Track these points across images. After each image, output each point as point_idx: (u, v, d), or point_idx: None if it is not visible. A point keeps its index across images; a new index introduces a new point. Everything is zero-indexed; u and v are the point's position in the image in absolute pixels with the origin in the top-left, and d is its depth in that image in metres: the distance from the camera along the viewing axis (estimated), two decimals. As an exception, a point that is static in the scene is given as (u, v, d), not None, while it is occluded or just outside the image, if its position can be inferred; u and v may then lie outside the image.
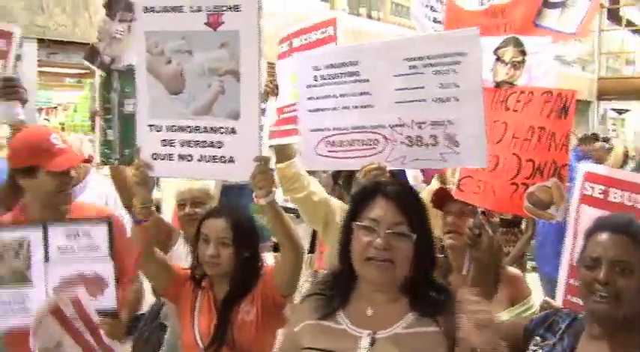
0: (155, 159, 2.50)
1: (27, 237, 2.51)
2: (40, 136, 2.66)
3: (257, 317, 2.47)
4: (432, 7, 3.99)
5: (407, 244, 1.83)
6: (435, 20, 3.99)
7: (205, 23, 2.41)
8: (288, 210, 4.94)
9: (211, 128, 2.42)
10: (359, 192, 1.99)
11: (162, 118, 2.49)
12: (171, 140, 2.48)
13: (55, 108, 11.39)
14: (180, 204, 2.96)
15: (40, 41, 6.81)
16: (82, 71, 10.69)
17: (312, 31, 3.68)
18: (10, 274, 2.50)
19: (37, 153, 2.60)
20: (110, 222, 2.52)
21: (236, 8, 2.37)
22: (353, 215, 1.91)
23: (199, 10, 2.41)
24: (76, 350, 2.47)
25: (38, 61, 6.68)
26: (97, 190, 3.75)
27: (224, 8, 2.38)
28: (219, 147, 2.42)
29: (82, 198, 3.52)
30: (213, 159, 2.44)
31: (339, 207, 3.42)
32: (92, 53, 2.86)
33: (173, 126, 2.47)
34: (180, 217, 2.96)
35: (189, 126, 2.45)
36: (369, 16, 11.48)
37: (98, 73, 2.89)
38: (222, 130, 2.41)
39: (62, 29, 6.96)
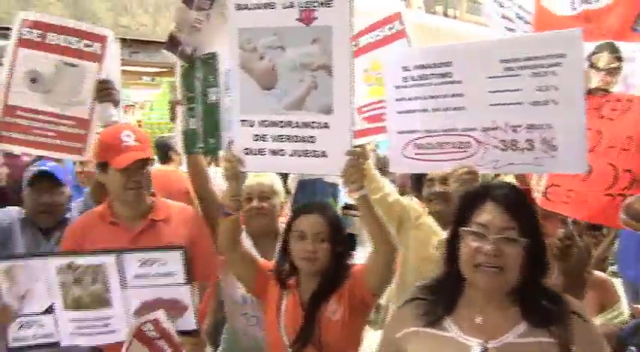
0: (247, 153, 2.50)
1: (102, 263, 2.51)
2: (112, 133, 2.72)
3: (344, 316, 2.43)
4: (500, 3, 3.91)
5: (517, 250, 1.76)
6: (503, 16, 3.92)
7: (297, 19, 2.40)
8: (348, 207, 4.92)
9: (304, 123, 2.41)
10: (466, 196, 1.93)
11: (254, 113, 2.49)
12: (263, 135, 2.48)
13: (133, 106, 11.68)
14: (247, 198, 2.96)
15: (123, 41, 6.99)
16: (160, 70, 10.96)
17: (377, 29, 3.66)
18: (90, 298, 2.53)
19: (106, 149, 2.68)
20: (184, 249, 2.50)
21: (328, 4, 2.35)
22: (460, 219, 1.85)
23: (291, 6, 2.40)
24: None
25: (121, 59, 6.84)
26: None
27: (316, 4, 2.36)
28: (311, 142, 2.41)
29: None
30: (306, 153, 2.42)
31: (413, 208, 3.41)
32: (172, 43, 2.88)
33: (265, 121, 2.47)
34: (246, 210, 2.95)
35: (281, 121, 2.44)
36: (445, 14, 11.40)
37: (180, 63, 2.92)
38: (314, 125, 2.39)
39: (143, 29, 7.16)
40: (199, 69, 2.87)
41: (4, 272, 2.55)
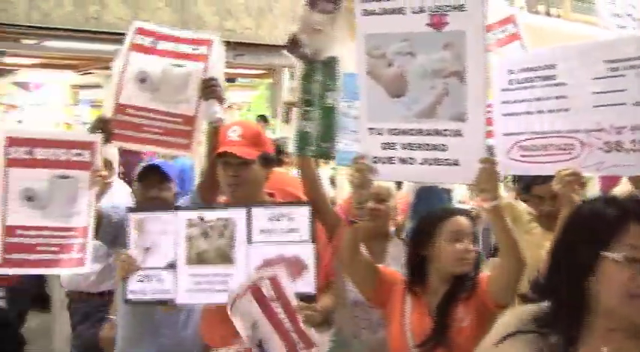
0: (376, 162, 2.46)
1: (231, 217, 2.58)
2: (225, 128, 2.81)
3: (473, 323, 2.40)
4: (612, 1, 3.74)
5: None
6: (614, 14, 3.74)
7: (428, 24, 2.34)
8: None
9: (435, 130, 2.35)
10: (605, 214, 1.58)
11: (383, 122, 2.45)
12: (392, 143, 2.43)
13: (230, 107, 11.91)
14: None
15: (227, 44, 7.13)
16: (260, 72, 11.15)
17: (489, 31, 3.55)
18: (214, 253, 2.59)
19: (217, 141, 2.78)
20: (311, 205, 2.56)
21: (461, 8, 2.27)
22: (598, 242, 1.54)
23: (421, 11, 2.34)
24: (270, 332, 2.45)
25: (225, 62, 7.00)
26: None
27: (448, 8, 2.29)
28: (443, 150, 2.35)
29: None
30: (437, 161, 2.37)
31: (524, 211, 3.33)
32: (293, 44, 2.88)
33: (395, 129, 2.42)
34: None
35: (411, 129, 2.39)
36: (548, 14, 11.04)
37: (300, 64, 2.92)
38: (446, 133, 2.33)
39: (247, 32, 7.28)
40: (319, 72, 2.85)
41: (136, 222, 2.67)
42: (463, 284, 2.47)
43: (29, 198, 2.87)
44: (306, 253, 2.52)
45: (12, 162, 2.88)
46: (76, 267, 2.93)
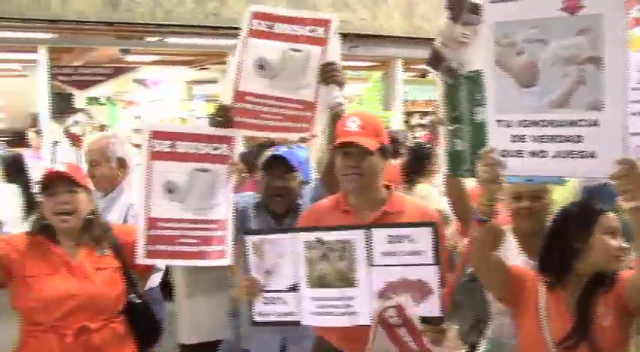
0: (504, 156, 2.35)
1: (351, 239, 2.49)
2: (343, 118, 2.76)
3: (613, 324, 2.32)
4: None
5: None
6: None
7: (561, 9, 2.20)
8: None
9: (569, 121, 2.22)
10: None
11: (511, 113, 2.33)
12: (522, 136, 2.31)
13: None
14: (516, 197, 2.81)
15: (343, 35, 7.14)
16: (372, 64, 11.11)
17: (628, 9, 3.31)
18: (335, 275, 2.52)
19: (335, 133, 2.74)
20: (435, 226, 2.44)
21: None
22: None
23: None
24: None
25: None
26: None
27: None
28: (578, 142, 2.21)
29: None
30: (571, 154, 2.23)
31: None
32: (436, 58, 2.82)
33: (524, 120, 2.30)
34: (515, 210, 2.83)
35: (543, 120, 2.26)
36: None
37: (442, 80, 2.83)
38: (582, 123, 2.19)
39: (363, 23, 7.25)
40: (464, 86, 2.76)
41: (254, 245, 2.64)
42: (603, 280, 2.38)
43: (170, 190, 2.95)
44: (431, 276, 2.42)
45: (155, 155, 2.96)
46: (218, 259, 2.97)
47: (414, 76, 13.45)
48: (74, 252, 2.77)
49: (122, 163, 3.68)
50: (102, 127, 12.39)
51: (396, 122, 10.32)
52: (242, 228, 3.06)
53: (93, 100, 13.64)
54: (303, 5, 7.00)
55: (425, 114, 12.16)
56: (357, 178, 2.66)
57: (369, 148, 2.62)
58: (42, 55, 8.55)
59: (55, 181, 2.75)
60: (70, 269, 2.72)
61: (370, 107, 10.64)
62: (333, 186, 2.93)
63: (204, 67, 12.34)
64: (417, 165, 5.32)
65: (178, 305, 4.21)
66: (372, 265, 2.48)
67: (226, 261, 2.98)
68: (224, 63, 9.05)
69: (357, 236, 2.49)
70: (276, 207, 3.27)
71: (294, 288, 2.60)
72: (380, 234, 2.47)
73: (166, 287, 4.27)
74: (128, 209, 3.55)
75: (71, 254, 2.76)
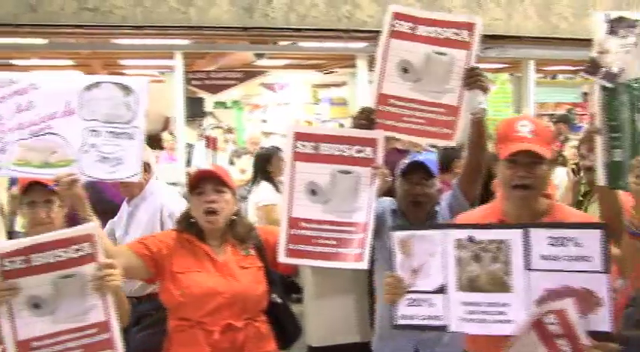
0: None
1: (506, 239, 2.30)
2: (509, 122, 2.56)
3: None
4: None
5: None
6: None
7: None
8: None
9: None
10: None
11: None
12: None
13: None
14: None
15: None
16: (500, 66, 10.79)
17: None
18: (488, 278, 2.34)
19: (499, 138, 2.53)
20: (606, 228, 2.20)
21: None
22: None
23: None
24: None
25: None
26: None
27: None
28: None
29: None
30: None
31: None
32: (593, 66, 2.69)
33: None
34: None
35: None
36: None
37: (600, 89, 2.69)
38: None
39: (497, 23, 7.06)
40: (624, 94, 2.59)
41: (401, 241, 2.50)
42: None
43: (312, 191, 2.98)
44: (599, 285, 2.18)
45: (299, 156, 3.01)
46: (355, 262, 2.95)
47: (543, 78, 12.97)
48: (220, 250, 2.85)
49: (147, 168, 3.71)
50: (229, 130, 12.85)
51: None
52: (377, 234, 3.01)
53: (220, 104, 14.15)
54: (437, 7, 6.90)
55: (552, 117, 11.70)
56: (529, 191, 2.45)
57: (545, 156, 2.44)
58: (178, 61, 8.98)
59: (203, 181, 2.84)
60: (216, 267, 2.80)
61: (498, 110, 10.34)
62: (471, 190, 2.83)
63: (332, 70, 12.46)
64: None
65: (306, 306, 4.22)
66: (530, 269, 2.29)
67: (363, 265, 2.94)
68: (353, 66, 9.29)
69: (513, 236, 2.30)
70: (415, 214, 3.19)
71: (441, 290, 2.44)
72: (539, 235, 2.26)
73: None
74: (162, 209, 3.65)
75: (217, 252, 2.84)
